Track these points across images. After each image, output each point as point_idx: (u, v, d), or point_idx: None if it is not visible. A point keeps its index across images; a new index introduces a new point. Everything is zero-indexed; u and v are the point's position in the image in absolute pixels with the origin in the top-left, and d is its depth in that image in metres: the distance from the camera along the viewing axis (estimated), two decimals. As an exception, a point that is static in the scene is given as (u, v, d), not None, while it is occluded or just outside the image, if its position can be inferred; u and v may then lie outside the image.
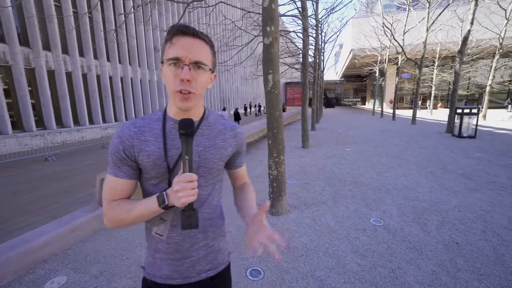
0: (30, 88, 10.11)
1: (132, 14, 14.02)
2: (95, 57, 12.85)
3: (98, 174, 3.19)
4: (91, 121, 12.90)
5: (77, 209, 3.27)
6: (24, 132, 9.72)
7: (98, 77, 13.12)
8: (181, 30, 0.70)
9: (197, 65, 0.71)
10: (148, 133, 0.77)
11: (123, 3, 14.33)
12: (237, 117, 17.38)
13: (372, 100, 31.55)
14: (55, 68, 10.98)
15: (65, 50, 11.37)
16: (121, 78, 14.59)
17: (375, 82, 27.64)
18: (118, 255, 2.55)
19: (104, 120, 13.65)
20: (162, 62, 0.74)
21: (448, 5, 13.11)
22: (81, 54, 12.15)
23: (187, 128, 0.66)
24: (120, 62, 14.37)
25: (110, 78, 13.90)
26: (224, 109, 16.75)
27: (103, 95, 13.45)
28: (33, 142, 9.42)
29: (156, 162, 0.76)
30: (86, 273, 2.29)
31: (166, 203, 0.70)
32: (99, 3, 11.98)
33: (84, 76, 12.42)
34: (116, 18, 13.50)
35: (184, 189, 0.66)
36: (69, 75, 11.65)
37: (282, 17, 8.15)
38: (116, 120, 14.26)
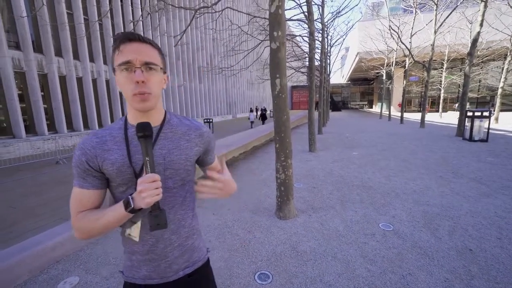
0: (42, 93, 10.40)
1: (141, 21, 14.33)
2: (105, 62, 13.15)
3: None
4: (101, 125, 13.14)
5: (87, 211, 3.33)
6: (36, 135, 9.97)
7: (107, 82, 13.42)
8: (127, 37, 0.72)
9: (149, 66, 0.73)
10: (110, 141, 0.78)
11: (132, 10, 14.68)
12: (263, 117, 17.43)
13: (379, 104, 31.23)
14: (67, 74, 11.28)
15: (76, 56, 11.68)
16: (130, 83, 14.86)
17: (382, 85, 27.39)
18: (127, 258, 2.58)
19: (113, 124, 13.88)
20: (113, 70, 0.75)
21: (456, 7, 12.97)
22: (92, 59, 12.47)
23: (145, 131, 0.69)
24: (129, 67, 14.65)
25: (119, 83, 14.17)
26: (251, 111, 16.96)
27: (112, 99, 13.74)
28: (45, 145, 9.66)
29: (121, 169, 0.76)
30: (97, 274, 2.33)
31: (132, 206, 0.70)
32: (109, 10, 12.31)
33: (94, 81, 12.71)
34: (126, 24, 13.82)
35: (147, 189, 0.67)
36: (79, 80, 11.94)
37: (288, 22, 8.20)
38: (124, 124, 14.49)
